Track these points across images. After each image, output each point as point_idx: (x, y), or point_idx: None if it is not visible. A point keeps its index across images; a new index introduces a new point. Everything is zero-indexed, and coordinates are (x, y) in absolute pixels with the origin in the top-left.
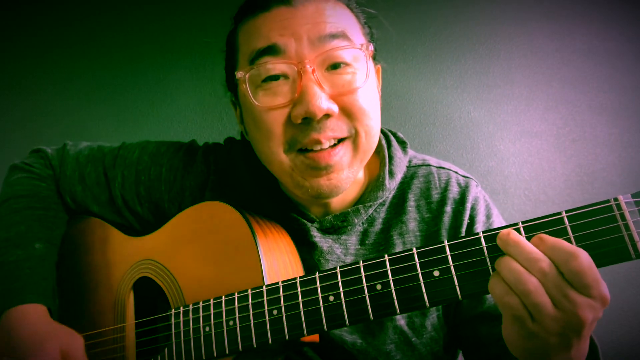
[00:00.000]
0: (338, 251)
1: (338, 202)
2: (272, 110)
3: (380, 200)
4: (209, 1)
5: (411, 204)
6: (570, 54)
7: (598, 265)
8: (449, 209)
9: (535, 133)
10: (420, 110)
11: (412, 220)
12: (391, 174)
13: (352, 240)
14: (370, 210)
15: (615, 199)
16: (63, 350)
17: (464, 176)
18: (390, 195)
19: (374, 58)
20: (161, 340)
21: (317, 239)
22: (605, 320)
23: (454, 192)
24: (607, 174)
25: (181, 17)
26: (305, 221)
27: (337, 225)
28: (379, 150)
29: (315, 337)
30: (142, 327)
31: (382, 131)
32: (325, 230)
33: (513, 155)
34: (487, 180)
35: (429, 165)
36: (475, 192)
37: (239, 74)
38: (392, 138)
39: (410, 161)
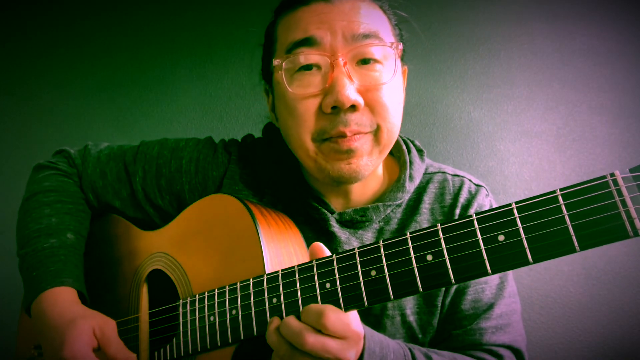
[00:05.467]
0: (355, 243)
1: (357, 195)
2: (304, 99)
3: (399, 201)
4: (209, 1)
5: (425, 206)
6: (571, 54)
7: (595, 245)
8: (457, 211)
9: (535, 133)
10: (420, 110)
11: (425, 222)
12: (411, 177)
13: (367, 235)
14: (389, 210)
15: (612, 174)
16: (96, 331)
17: (476, 184)
18: (407, 198)
19: (402, 59)
20: (172, 330)
21: (335, 229)
22: (606, 320)
23: (464, 197)
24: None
25: (181, 17)
26: (326, 211)
27: (355, 220)
28: (399, 155)
29: None
30: (155, 317)
31: (402, 138)
32: (343, 223)
33: (513, 155)
34: (487, 180)
35: (444, 172)
36: (482, 200)
37: (276, 62)
38: (411, 145)
39: (427, 168)
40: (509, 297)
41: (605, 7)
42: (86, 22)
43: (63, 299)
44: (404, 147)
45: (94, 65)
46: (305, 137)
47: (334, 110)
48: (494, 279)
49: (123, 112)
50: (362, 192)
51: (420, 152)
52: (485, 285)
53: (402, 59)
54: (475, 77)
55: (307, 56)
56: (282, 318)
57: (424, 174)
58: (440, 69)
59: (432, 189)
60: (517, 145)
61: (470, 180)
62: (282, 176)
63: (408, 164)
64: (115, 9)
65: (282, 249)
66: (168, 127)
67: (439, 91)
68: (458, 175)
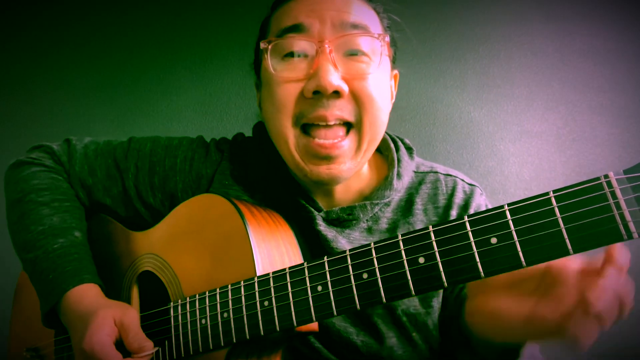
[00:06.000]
0: (342, 242)
1: (342, 194)
2: (287, 83)
3: (386, 200)
4: (209, 1)
5: (419, 207)
6: (570, 54)
7: (589, 248)
8: (454, 212)
9: (535, 133)
10: (420, 110)
11: (419, 223)
12: (399, 175)
13: (355, 235)
14: (376, 209)
15: (606, 176)
16: (117, 321)
17: (469, 184)
18: (397, 197)
19: (393, 62)
20: (164, 332)
21: (321, 228)
22: None
23: (459, 197)
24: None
25: (181, 17)
26: (312, 209)
27: (342, 218)
28: (387, 153)
29: (314, 327)
30: (147, 320)
31: (390, 136)
32: (330, 222)
33: (513, 155)
34: (487, 180)
35: (436, 172)
36: (479, 200)
37: (263, 44)
38: (400, 143)
39: (418, 167)
40: None
41: (605, 7)
42: (86, 22)
43: (87, 295)
44: (392, 145)
45: (94, 65)
46: (285, 122)
47: (316, 95)
48: None
49: (123, 112)
50: (346, 190)
51: (409, 149)
52: None
53: (393, 63)
54: (475, 77)
55: (294, 41)
56: (274, 323)
57: (416, 172)
58: (440, 69)
59: (424, 190)
60: (517, 145)
61: (463, 180)
62: (271, 174)
63: (396, 162)
64: (115, 9)
65: (273, 248)
66: (168, 127)
67: (439, 91)
68: (450, 175)
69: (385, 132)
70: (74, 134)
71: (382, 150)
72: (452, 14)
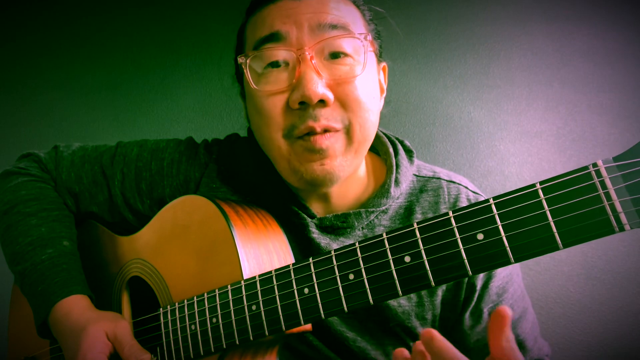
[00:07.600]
0: None
1: (338, 200)
2: (271, 96)
3: (383, 208)
4: (209, 1)
5: (418, 216)
6: (571, 54)
7: (580, 241)
8: None
9: (535, 133)
10: (420, 110)
11: None
12: (397, 182)
13: (349, 243)
14: (372, 217)
15: (594, 165)
16: (109, 333)
17: (474, 192)
18: (396, 205)
19: (380, 56)
20: (155, 339)
21: (314, 235)
22: (606, 320)
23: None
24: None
25: (181, 17)
26: (305, 216)
27: (336, 225)
28: (386, 157)
29: (307, 327)
30: (138, 327)
31: (389, 139)
32: (323, 229)
33: (513, 155)
34: (487, 180)
35: (439, 178)
36: None
37: (241, 59)
38: (399, 147)
39: (419, 170)
40: (528, 299)
41: (606, 7)
42: (86, 22)
43: (76, 306)
44: (391, 150)
45: (94, 65)
46: (276, 135)
47: (302, 106)
48: (516, 290)
49: (123, 113)
50: (343, 196)
51: (409, 153)
52: (512, 301)
53: (380, 56)
54: (475, 77)
55: (273, 52)
56: (263, 327)
57: (417, 176)
58: (440, 69)
59: (425, 198)
60: (517, 145)
61: (466, 188)
62: (263, 179)
63: (394, 167)
64: (115, 9)
65: (260, 247)
66: (168, 127)
67: (439, 91)
68: (454, 182)
69: (385, 135)
70: (74, 134)
71: (381, 154)
72: (452, 14)
